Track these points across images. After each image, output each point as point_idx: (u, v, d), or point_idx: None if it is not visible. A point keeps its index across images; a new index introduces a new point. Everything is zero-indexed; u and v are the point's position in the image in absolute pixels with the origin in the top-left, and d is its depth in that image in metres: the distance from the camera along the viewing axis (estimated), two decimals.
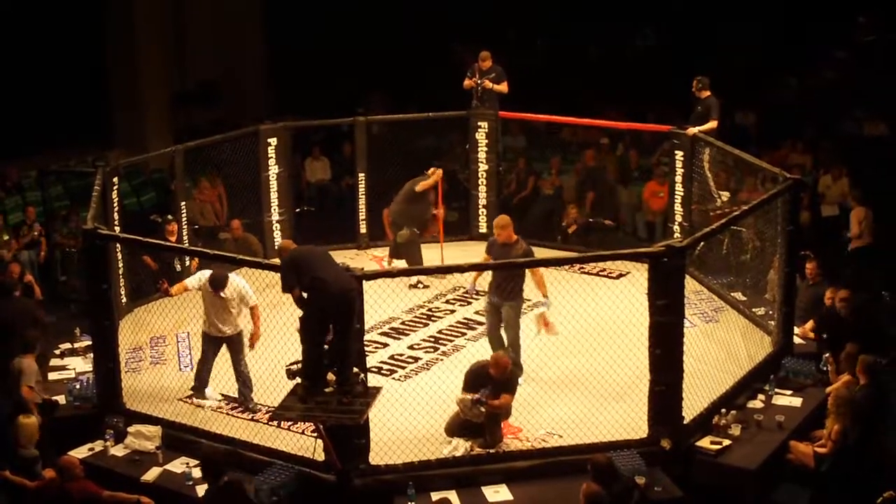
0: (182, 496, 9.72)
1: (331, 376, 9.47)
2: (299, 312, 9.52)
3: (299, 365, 9.57)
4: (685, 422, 10.14)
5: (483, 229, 15.82)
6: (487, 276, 11.60)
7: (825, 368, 11.21)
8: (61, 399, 11.29)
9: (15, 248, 16.14)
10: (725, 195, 14.19)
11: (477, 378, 10.17)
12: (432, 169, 14.52)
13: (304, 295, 9.40)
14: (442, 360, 12.05)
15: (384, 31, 22.86)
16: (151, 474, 10.03)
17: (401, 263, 14.24)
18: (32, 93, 19.41)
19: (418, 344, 12.57)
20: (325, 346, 9.47)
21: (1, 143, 18.58)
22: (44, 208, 17.21)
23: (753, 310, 12.72)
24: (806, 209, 16.24)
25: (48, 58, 19.72)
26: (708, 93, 14.23)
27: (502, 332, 11.35)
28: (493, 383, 10.05)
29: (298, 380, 9.56)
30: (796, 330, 12.18)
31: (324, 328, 9.40)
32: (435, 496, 9.20)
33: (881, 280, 14.39)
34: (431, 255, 14.45)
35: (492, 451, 10.06)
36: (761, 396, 11.07)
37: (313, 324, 9.37)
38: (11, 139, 18.73)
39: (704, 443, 10.14)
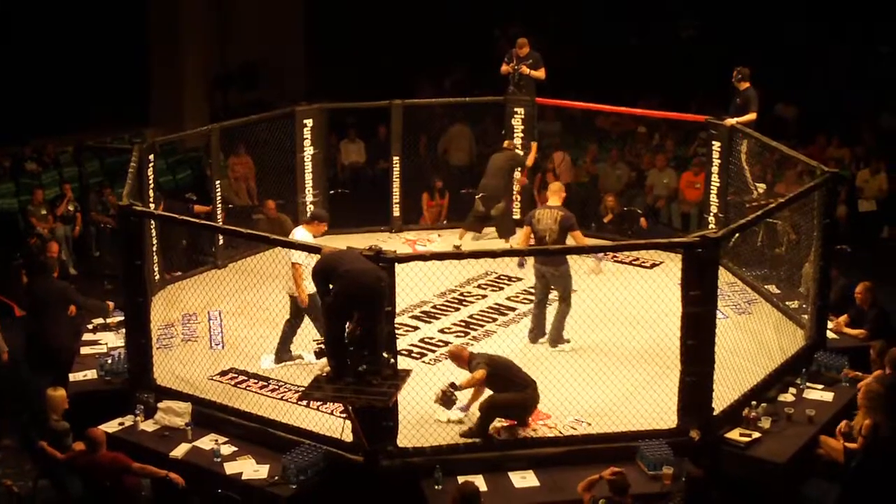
0: (210, 472, 9.75)
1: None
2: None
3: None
4: (715, 413, 10.08)
5: (517, 214, 15.77)
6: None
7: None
8: (92, 374, 11.37)
9: (52, 222, 16.24)
10: (762, 187, 14.10)
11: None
12: (507, 142, 15.19)
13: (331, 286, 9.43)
14: (472, 344, 11.95)
15: (426, 13, 22.86)
16: (180, 450, 10.07)
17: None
18: (72, 69, 19.51)
19: (449, 328, 12.55)
20: (357, 331, 9.46)
21: (39, 118, 18.69)
22: (80, 184, 17.28)
23: (787, 303, 12.64)
24: (843, 203, 16.14)
25: (89, 35, 19.80)
26: (747, 84, 14.11)
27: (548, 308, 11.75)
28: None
29: (324, 360, 9.58)
30: (829, 324, 12.11)
31: (347, 314, 9.40)
32: (462, 480, 9.20)
33: None
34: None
35: (479, 439, 9.99)
36: (792, 390, 11.00)
37: (337, 308, 9.37)
38: (49, 114, 18.84)
39: (734, 435, 10.09)
